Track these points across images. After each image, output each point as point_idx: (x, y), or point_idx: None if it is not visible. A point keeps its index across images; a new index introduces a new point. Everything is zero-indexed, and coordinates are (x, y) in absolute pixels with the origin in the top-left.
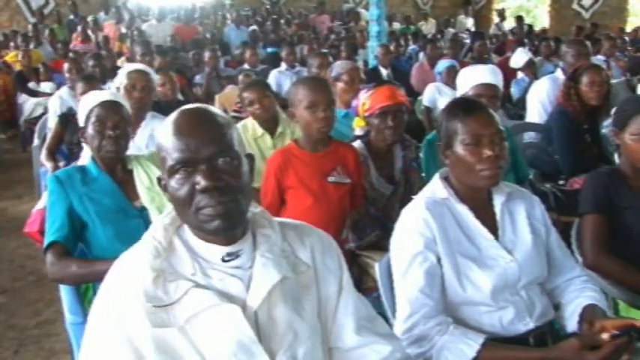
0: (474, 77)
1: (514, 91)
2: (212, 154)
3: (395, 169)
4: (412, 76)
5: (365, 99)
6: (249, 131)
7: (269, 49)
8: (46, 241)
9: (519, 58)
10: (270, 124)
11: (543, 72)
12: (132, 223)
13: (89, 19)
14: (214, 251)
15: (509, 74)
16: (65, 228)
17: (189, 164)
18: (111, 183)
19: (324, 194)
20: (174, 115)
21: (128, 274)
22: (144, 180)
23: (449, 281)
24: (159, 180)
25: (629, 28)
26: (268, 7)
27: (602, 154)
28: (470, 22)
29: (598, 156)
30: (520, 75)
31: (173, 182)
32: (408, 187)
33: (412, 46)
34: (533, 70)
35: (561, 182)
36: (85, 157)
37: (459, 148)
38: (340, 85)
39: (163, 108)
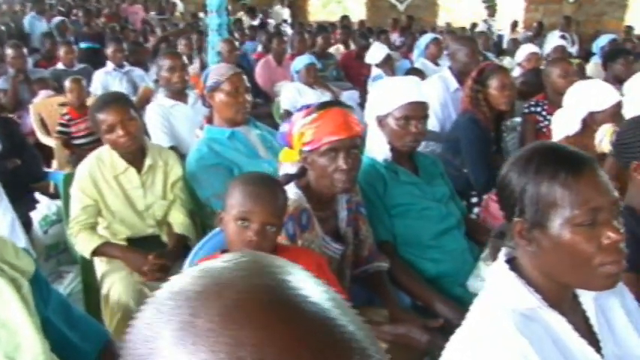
0: (399, 94)
1: (372, 89)
2: None
3: (339, 220)
4: (257, 74)
5: (304, 127)
6: (105, 166)
7: (82, 45)
8: None
9: (376, 53)
10: (135, 155)
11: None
12: None
13: None
14: None
15: (355, 68)
16: None
17: None
18: None
19: None
20: None
21: None
22: None
23: None
24: None
25: (440, 22)
26: None
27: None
28: (286, 13)
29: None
30: (377, 71)
31: None
32: (357, 243)
33: (249, 42)
34: (391, 66)
35: (474, 200)
36: None
37: (564, 230)
38: (220, 96)
39: None
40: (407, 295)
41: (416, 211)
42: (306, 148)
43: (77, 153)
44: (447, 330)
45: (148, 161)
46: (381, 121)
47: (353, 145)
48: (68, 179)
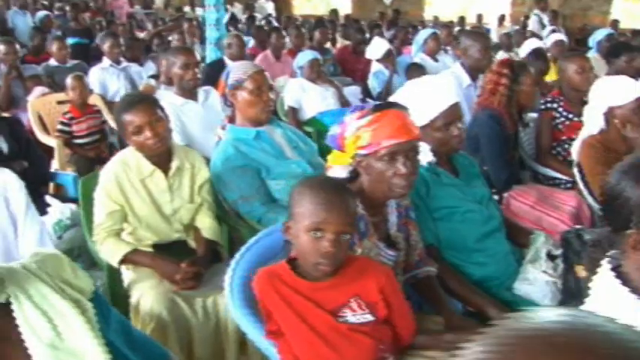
0: (437, 100)
1: (374, 84)
2: None
3: (389, 225)
4: None
5: (360, 130)
6: (131, 169)
7: (70, 40)
8: None
9: (377, 48)
10: (161, 157)
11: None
12: None
13: None
14: None
15: (351, 63)
16: None
17: None
18: None
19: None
20: None
21: None
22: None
23: None
24: None
25: (427, 16)
26: None
27: (521, 160)
28: (270, 7)
29: (520, 162)
30: (377, 66)
31: None
32: (407, 248)
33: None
34: (392, 62)
35: (495, 198)
36: None
37: None
38: (242, 95)
39: None
40: (458, 301)
41: (460, 213)
42: (362, 151)
43: (78, 153)
44: None
45: (174, 163)
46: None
47: (412, 148)
48: (87, 183)
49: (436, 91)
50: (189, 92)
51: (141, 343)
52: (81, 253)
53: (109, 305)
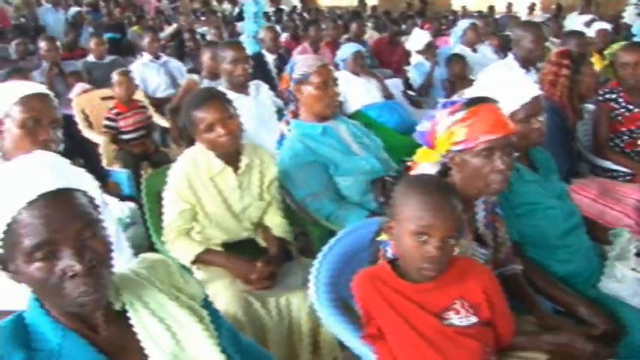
0: (518, 93)
1: (414, 76)
2: None
3: (477, 222)
4: None
5: (454, 126)
6: (201, 167)
7: (104, 35)
8: None
9: (418, 39)
10: (231, 154)
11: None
12: None
13: None
14: None
15: (387, 55)
16: None
17: None
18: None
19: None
20: None
21: None
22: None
23: None
24: None
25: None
26: None
27: (578, 152)
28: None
29: (577, 155)
30: (418, 58)
31: None
32: (495, 246)
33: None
34: (433, 53)
35: None
36: None
37: None
38: (308, 89)
39: None
40: (546, 299)
41: (541, 210)
42: (457, 147)
43: (125, 149)
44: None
45: (244, 160)
46: None
47: (509, 143)
48: (151, 181)
49: (519, 82)
50: (240, 87)
51: (249, 349)
52: (141, 252)
53: (218, 311)
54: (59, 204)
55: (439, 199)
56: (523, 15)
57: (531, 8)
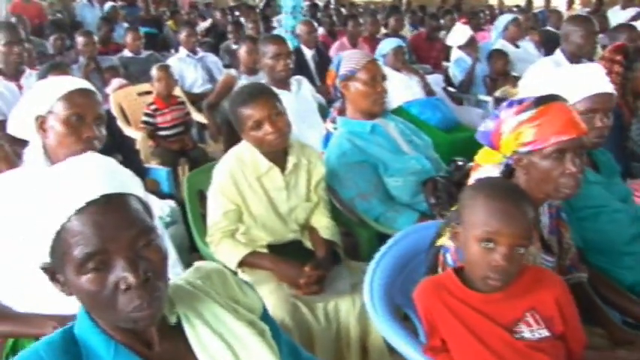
0: (583, 85)
1: (455, 72)
2: None
3: (542, 227)
4: (332, 58)
5: (521, 126)
6: (247, 166)
7: (143, 30)
8: None
9: (460, 34)
10: (278, 153)
11: None
12: None
13: None
14: None
15: (425, 50)
16: None
17: None
18: None
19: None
20: None
21: None
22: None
23: None
24: None
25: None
26: None
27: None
28: None
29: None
30: (458, 53)
31: None
32: (560, 251)
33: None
34: (474, 49)
35: None
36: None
37: None
38: (355, 86)
39: None
40: (614, 310)
41: (606, 213)
42: (525, 149)
43: (163, 145)
44: None
45: (291, 159)
46: None
47: (581, 144)
48: (193, 180)
49: (586, 76)
50: (281, 82)
51: None
52: (181, 252)
53: (278, 325)
54: (111, 210)
55: (509, 203)
56: (562, 10)
57: (570, 3)
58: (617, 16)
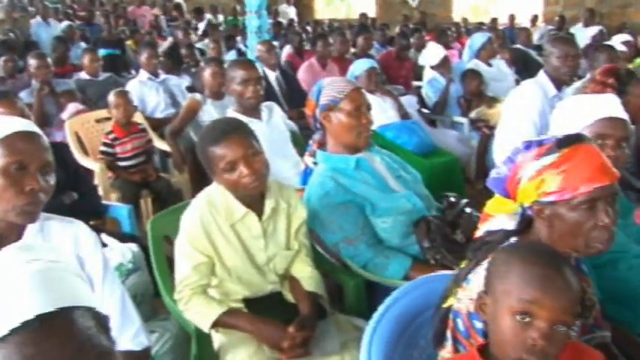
0: (591, 110)
1: (429, 93)
2: None
3: None
4: (301, 79)
5: (544, 172)
6: (219, 213)
7: (102, 51)
8: None
9: (433, 54)
10: (254, 197)
11: None
12: None
13: None
14: None
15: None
16: None
17: None
18: None
19: None
20: None
21: None
22: None
23: None
24: None
25: (456, 18)
26: None
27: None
28: (292, 12)
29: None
30: (431, 73)
31: None
32: (583, 309)
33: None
34: (447, 68)
35: None
36: None
37: None
38: (338, 117)
39: None
40: None
41: (626, 260)
42: (549, 198)
43: (123, 176)
44: None
45: (269, 203)
46: None
47: (614, 192)
48: (157, 223)
49: (596, 101)
50: (251, 110)
51: None
52: (144, 301)
53: None
54: (49, 336)
55: (550, 270)
56: (526, 26)
57: (533, 20)
58: (580, 33)
